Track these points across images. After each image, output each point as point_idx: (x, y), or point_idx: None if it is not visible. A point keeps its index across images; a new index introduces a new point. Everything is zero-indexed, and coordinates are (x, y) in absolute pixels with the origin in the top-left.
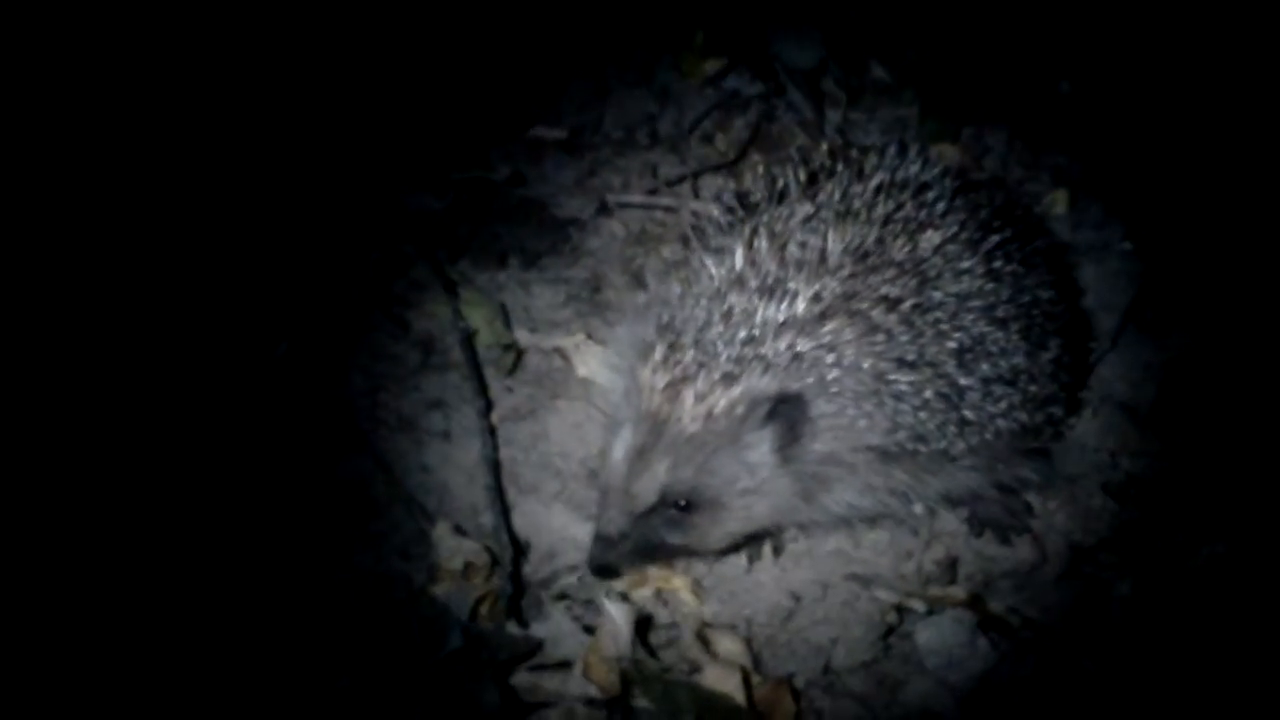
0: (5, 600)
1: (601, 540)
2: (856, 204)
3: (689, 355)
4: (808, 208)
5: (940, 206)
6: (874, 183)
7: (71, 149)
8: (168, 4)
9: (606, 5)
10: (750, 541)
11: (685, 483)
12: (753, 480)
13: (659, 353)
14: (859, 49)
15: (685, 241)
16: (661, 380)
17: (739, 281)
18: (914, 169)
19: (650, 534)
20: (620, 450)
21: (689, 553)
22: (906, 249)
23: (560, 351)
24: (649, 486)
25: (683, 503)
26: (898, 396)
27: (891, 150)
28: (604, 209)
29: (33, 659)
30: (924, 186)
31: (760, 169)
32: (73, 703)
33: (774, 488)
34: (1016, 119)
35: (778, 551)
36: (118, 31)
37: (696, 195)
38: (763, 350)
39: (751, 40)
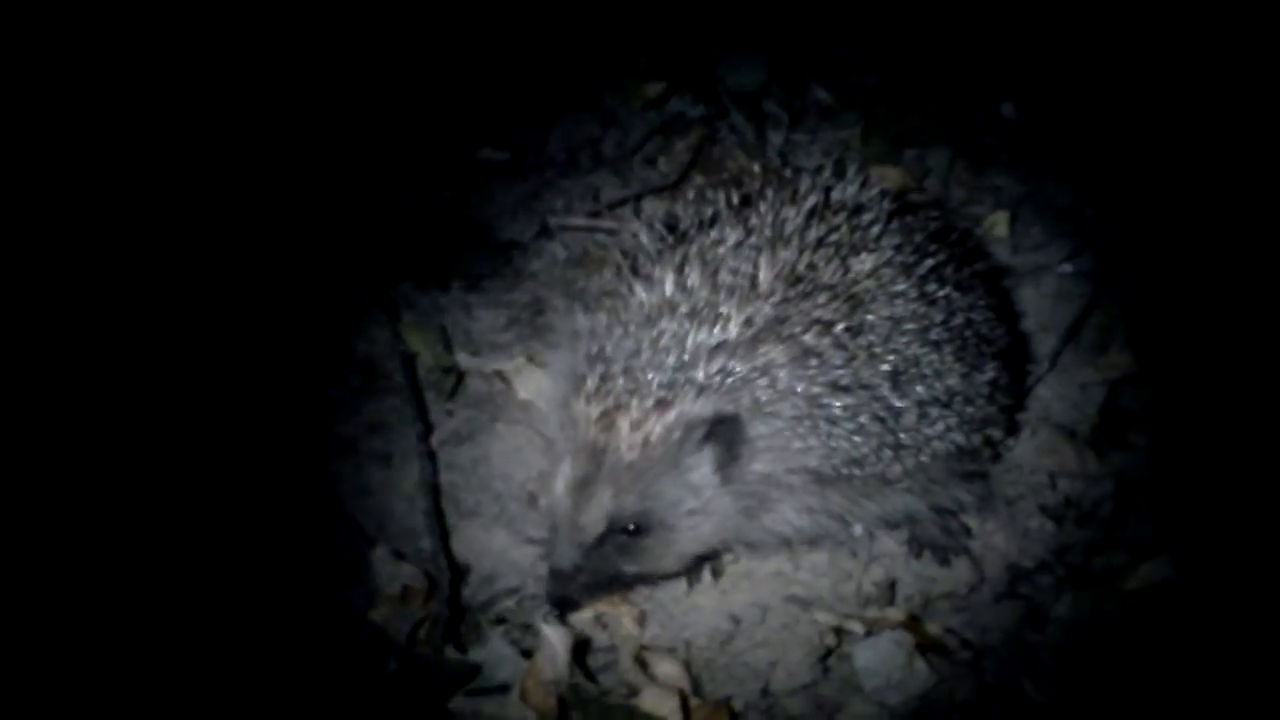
0: None
1: (556, 575)
2: (789, 228)
3: (620, 384)
4: (739, 232)
5: (875, 230)
6: (808, 205)
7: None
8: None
9: (551, 28)
10: (695, 563)
11: (630, 509)
12: (698, 500)
13: (590, 383)
14: (801, 71)
15: (616, 269)
16: (595, 410)
17: (669, 308)
18: (850, 190)
19: (604, 564)
20: (562, 483)
21: (644, 579)
22: (839, 273)
23: (501, 375)
24: (595, 516)
25: (631, 527)
26: (832, 420)
27: (826, 172)
28: (546, 231)
29: None
30: (859, 209)
31: (693, 193)
32: None
33: (718, 507)
34: (958, 141)
35: (717, 574)
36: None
37: (638, 217)
38: (695, 374)
39: (694, 63)
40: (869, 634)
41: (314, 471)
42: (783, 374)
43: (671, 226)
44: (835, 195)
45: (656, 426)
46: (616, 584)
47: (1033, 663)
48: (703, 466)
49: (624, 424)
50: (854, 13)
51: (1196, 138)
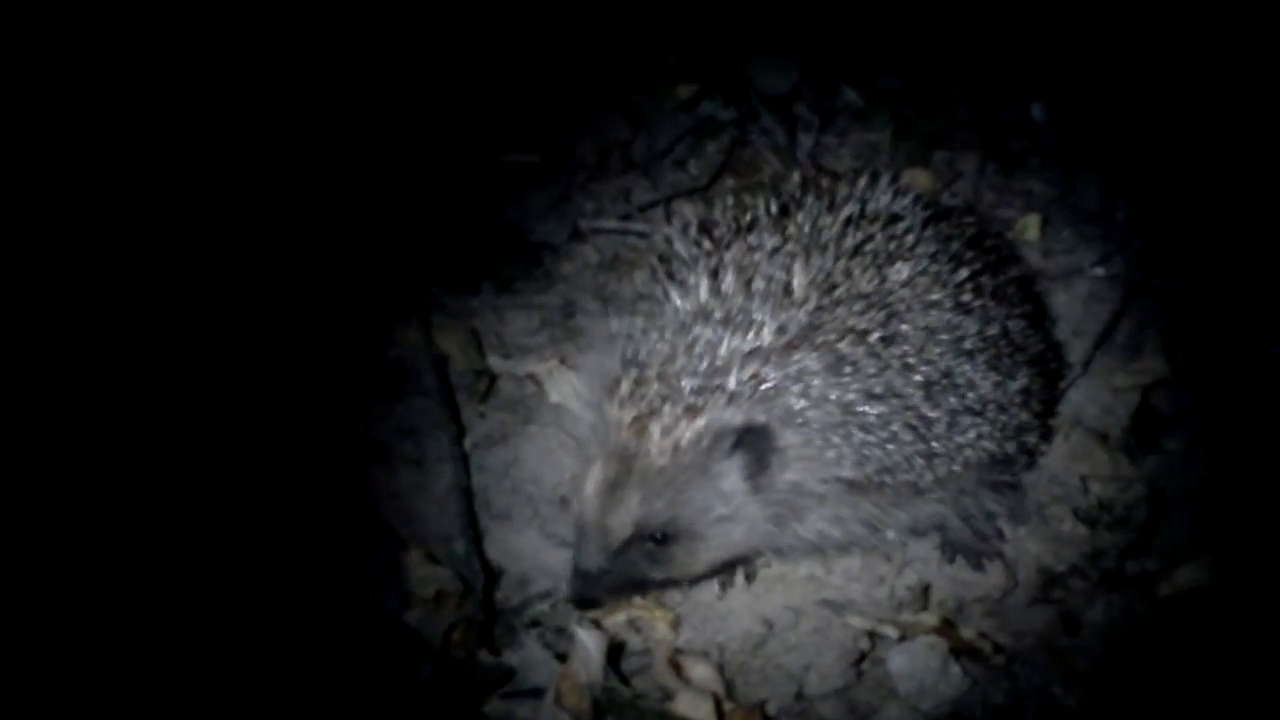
0: None
1: (580, 575)
2: (825, 236)
3: (654, 389)
4: (776, 239)
5: (910, 239)
6: (844, 214)
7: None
8: None
9: (581, 31)
10: (724, 568)
11: (659, 515)
12: (727, 508)
13: (624, 387)
14: (832, 74)
15: (652, 273)
16: (628, 415)
17: (704, 314)
18: (884, 200)
19: (629, 568)
20: (591, 485)
21: (670, 584)
22: (875, 281)
23: (533, 378)
24: (622, 520)
25: (659, 535)
26: (865, 428)
27: (863, 181)
28: (577, 234)
29: None
30: (894, 218)
31: (731, 198)
32: None
33: (748, 515)
34: (988, 144)
35: (750, 578)
36: None
37: (669, 220)
38: (727, 381)
39: (725, 65)
40: (903, 638)
41: (347, 475)
42: (816, 381)
43: (708, 231)
44: (870, 204)
45: (687, 433)
46: (642, 587)
47: (1066, 668)
48: (732, 474)
49: (655, 429)
50: (884, 15)
51: (1227, 139)
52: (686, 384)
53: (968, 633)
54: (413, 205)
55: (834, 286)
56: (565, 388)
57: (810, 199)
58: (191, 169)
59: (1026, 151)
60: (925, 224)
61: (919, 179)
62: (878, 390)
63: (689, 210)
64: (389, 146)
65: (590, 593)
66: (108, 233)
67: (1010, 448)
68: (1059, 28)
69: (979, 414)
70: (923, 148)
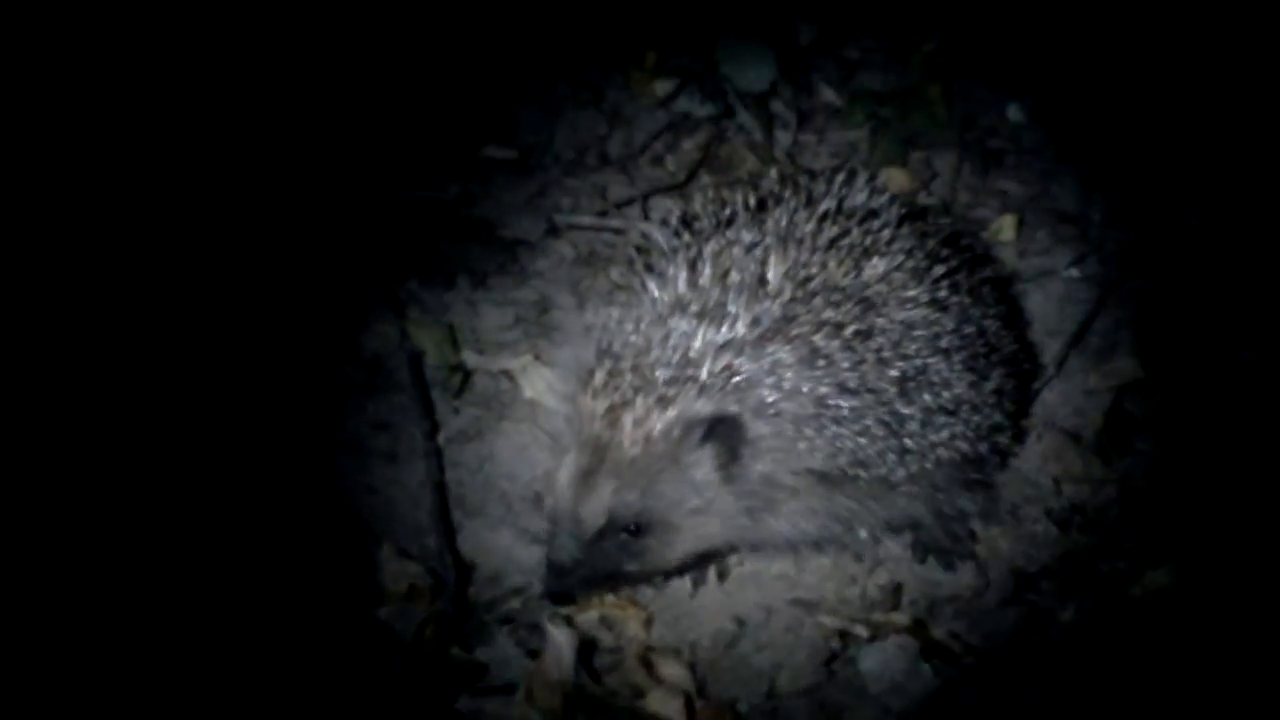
0: None
1: (554, 567)
2: (801, 230)
3: (627, 380)
4: (753, 233)
5: (886, 234)
6: (821, 209)
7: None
8: None
9: (558, 26)
10: (697, 565)
11: (632, 505)
12: (700, 500)
13: (599, 378)
14: (809, 72)
15: (629, 265)
16: (601, 405)
17: (679, 306)
18: (861, 197)
19: (604, 560)
20: (565, 476)
21: (645, 578)
22: (850, 275)
23: (508, 373)
24: (595, 510)
25: (633, 527)
26: (838, 421)
27: (840, 177)
28: (553, 230)
29: None
30: (871, 214)
31: (709, 193)
32: None
33: (721, 507)
34: (965, 144)
35: (723, 576)
36: None
37: (646, 217)
38: (699, 373)
39: (703, 62)
40: (874, 638)
41: (319, 470)
42: (789, 374)
43: (688, 224)
44: (847, 201)
45: (658, 424)
46: (616, 580)
47: (1037, 668)
48: (704, 465)
49: (628, 420)
50: (862, 14)
51: (1204, 141)
52: (660, 375)
53: (939, 632)
54: (388, 200)
55: (808, 280)
56: (540, 383)
57: (788, 194)
58: (166, 163)
59: (1003, 151)
60: (901, 221)
61: (896, 178)
62: (852, 384)
63: (669, 205)
64: (364, 141)
65: (564, 586)
66: (81, 230)
67: (983, 448)
68: (1038, 28)
69: (953, 413)
70: (900, 147)
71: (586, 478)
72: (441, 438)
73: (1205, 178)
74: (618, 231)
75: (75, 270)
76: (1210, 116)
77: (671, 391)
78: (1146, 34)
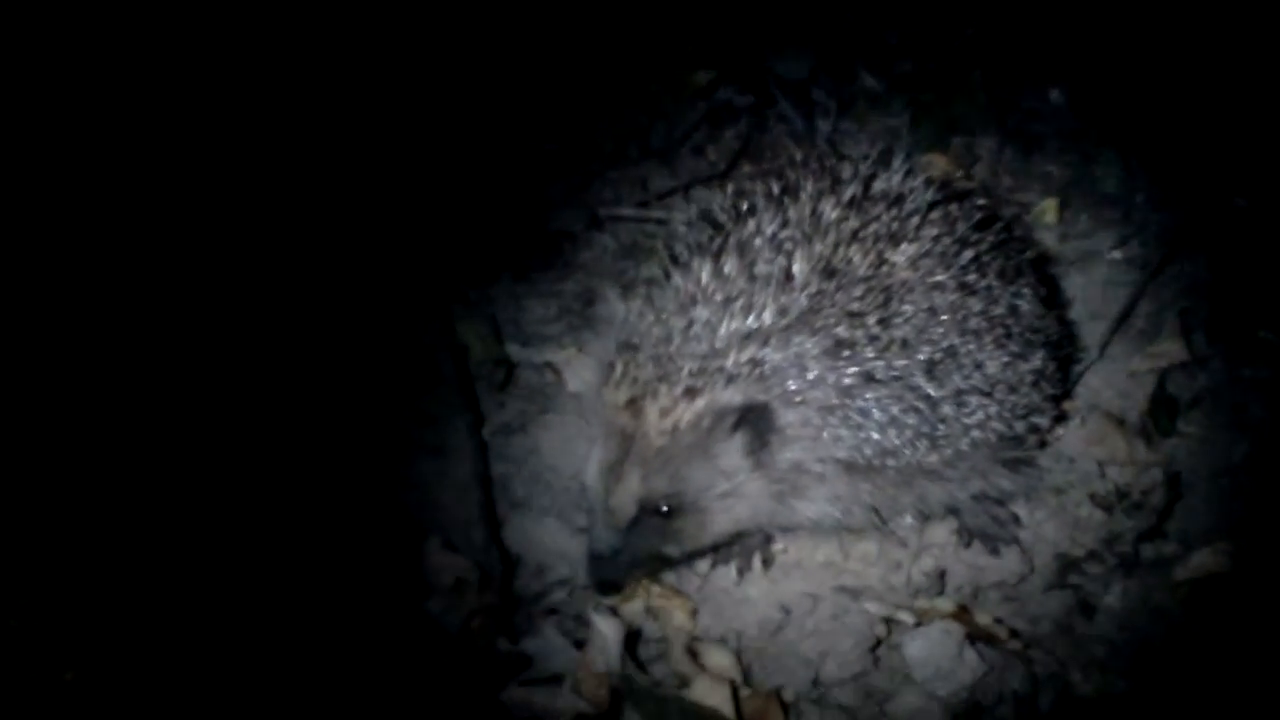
0: None
1: (595, 557)
2: (826, 219)
3: (648, 370)
4: (778, 223)
5: (915, 219)
6: (846, 195)
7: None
8: None
9: (598, 19)
10: (740, 552)
11: (660, 491)
12: (729, 484)
13: (618, 369)
14: (850, 59)
15: (658, 259)
16: (623, 396)
17: (704, 296)
18: (895, 180)
19: (642, 544)
20: (593, 468)
21: (684, 559)
22: (875, 264)
23: (552, 366)
24: (626, 499)
25: (665, 509)
26: (863, 413)
27: (868, 160)
28: (595, 222)
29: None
30: (900, 199)
31: (732, 185)
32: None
33: (750, 490)
34: (1006, 128)
35: (767, 564)
36: None
37: (689, 207)
38: (725, 363)
39: (743, 52)
40: (919, 624)
41: (366, 464)
42: (814, 364)
43: (714, 216)
44: (877, 185)
45: (686, 414)
46: (657, 563)
47: (1082, 653)
48: (733, 453)
49: (652, 410)
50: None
51: (1250, 120)
52: (684, 365)
53: (984, 618)
54: (431, 195)
55: (833, 271)
56: (584, 376)
57: (811, 182)
58: (214, 162)
59: (1044, 135)
60: (931, 206)
61: (937, 163)
62: (878, 375)
63: (707, 197)
64: (409, 137)
65: (608, 574)
66: (147, 222)
67: (1020, 428)
68: (1080, 10)
69: (987, 394)
70: (940, 132)
71: (614, 468)
72: (486, 431)
73: (1251, 157)
74: (660, 222)
75: (142, 263)
76: (1257, 95)
77: (699, 382)
78: (1189, 15)
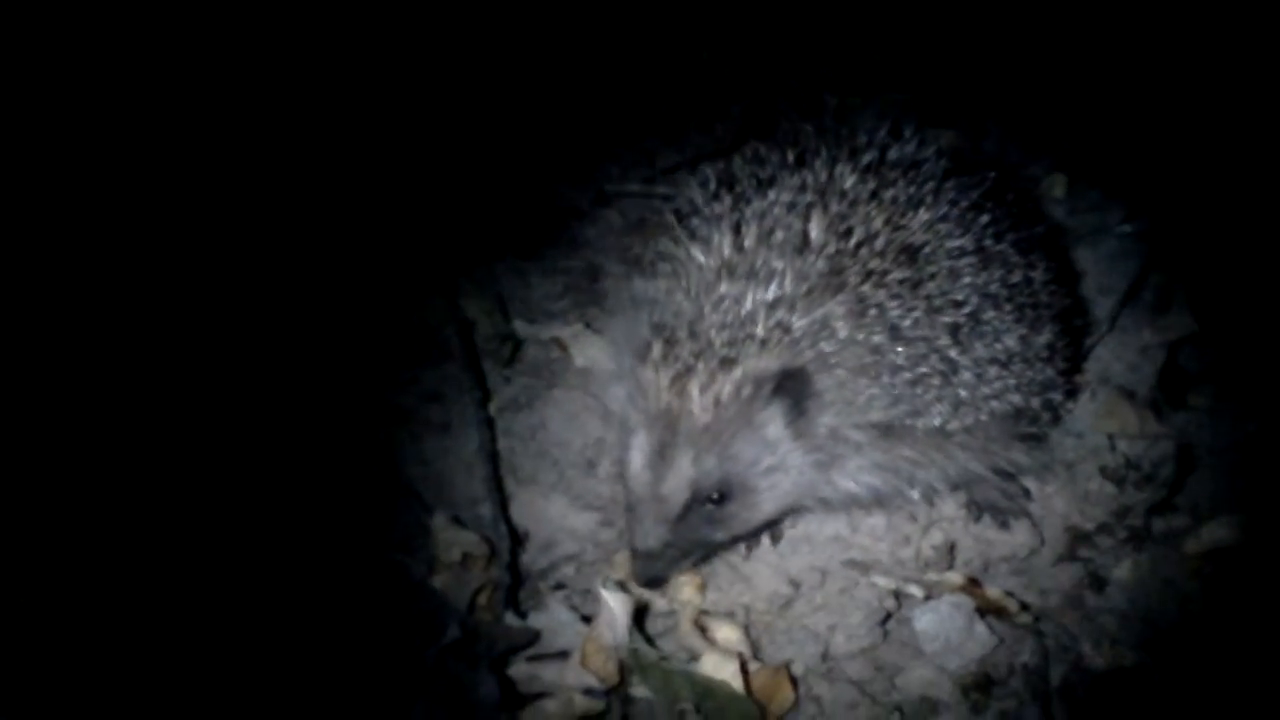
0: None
1: (644, 555)
2: (842, 183)
3: (686, 348)
4: (794, 190)
5: (930, 185)
6: (864, 161)
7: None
8: None
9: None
10: (776, 523)
11: (712, 474)
12: (774, 457)
13: (657, 350)
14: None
15: (673, 234)
16: (665, 377)
17: (727, 269)
18: (909, 149)
19: (691, 535)
20: (639, 457)
21: (729, 545)
22: (894, 226)
23: (558, 341)
24: (678, 485)
25: (716, 496)
26: (893, 370)
27: (882, 131)
28: (601, 198)
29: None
30: (914, 165)
31: (749, 153)
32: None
33: (793, 462)
34: (1014, 101)
35: (776, 539)
36: None
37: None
38: (756, 330)
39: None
40: (928, 597)
41: (373, 440)
42: (841, 325)
43: (729, 187)
44: (891, 154)
45: (726, 385)
46: (704, 552)
47: (1093, 626)
48: (775, 422)
49: (694, 387)
50: None
51: (1256, 95)
52: (717, 338)
53: (994, 591)
54: (438, 172)
55: (850, 231)
56: (590, 351)
57: (825, 149)
58: (217, 143)
59: (1053, 109)
60: (946, 174)
61: (945, 137)
62: (906, 332)
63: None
64: (414, 114)
65: (657, 571)
66: (151, 198)
67: (1035, 403)
68: None
69: (1005, 365)
70: (948, 104)
71: (662, 453)
72: (493, 407)
73: (1259, 130)
74: (666, 198)
75: (146, 240)
76: (1265, 69)
77: (733, 352)
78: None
